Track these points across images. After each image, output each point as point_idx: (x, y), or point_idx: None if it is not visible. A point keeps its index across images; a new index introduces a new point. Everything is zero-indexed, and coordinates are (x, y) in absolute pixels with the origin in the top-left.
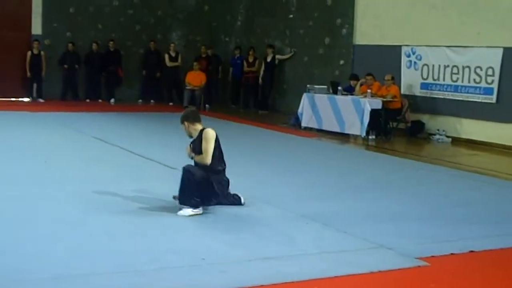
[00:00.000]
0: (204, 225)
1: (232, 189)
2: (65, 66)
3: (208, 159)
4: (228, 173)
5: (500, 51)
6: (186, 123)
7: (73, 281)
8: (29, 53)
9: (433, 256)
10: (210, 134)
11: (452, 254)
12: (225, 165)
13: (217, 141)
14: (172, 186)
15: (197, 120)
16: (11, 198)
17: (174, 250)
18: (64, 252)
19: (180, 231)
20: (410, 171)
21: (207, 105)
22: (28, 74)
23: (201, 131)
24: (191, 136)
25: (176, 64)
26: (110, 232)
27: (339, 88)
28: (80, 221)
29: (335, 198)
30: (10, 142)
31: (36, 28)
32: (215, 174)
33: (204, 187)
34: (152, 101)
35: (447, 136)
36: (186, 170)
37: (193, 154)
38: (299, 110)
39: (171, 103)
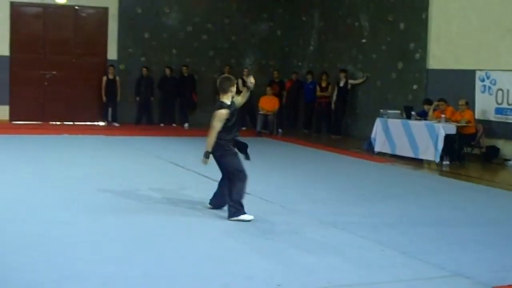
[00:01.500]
0: (276, 250)
1: (306, 214)
2: (137, 98)
3: (211, 135)
4: (303, 198)
5: None
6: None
7: None
8: (104, 78)
9: (511, 286)
10: (220, 114)
11: None
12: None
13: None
14: (247, 210)
15: (221, 91)
16: (82, 222)
17: (247, 276)
18: (138, 276)
19: (253, 255)
20: (485, 198)
21: (279, 130)
22: (104, 98)
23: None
24: None
25: None
26: (182, 256)
27: (413, 113)
28: (152, 245)
29: (411, 225)
30: (85, 165)
31: (112, 53)
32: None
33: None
34: None
35: None
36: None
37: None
38: (372, 135)
39: (244, 128)
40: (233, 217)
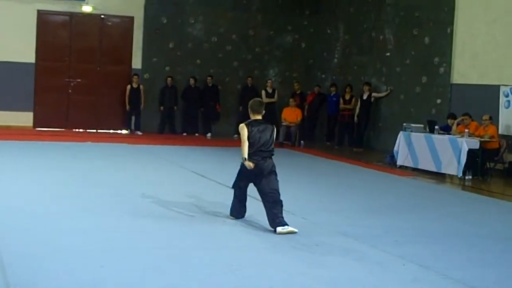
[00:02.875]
0: (298, 262)
1: (328, 227)
2: (161, 108)
3: (243, 145)
4: (325, 210)
5: None
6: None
7: None
8: (128, 86)
9: None
10: (239, 128)
11: None
12: (256, 148)
13: (250, 131)
14: (265, 222)
15: (251, 111)
16: (106, 230)
17: (269, 286)
18: (163, 286)
19: (275, 266)
20: (507, 213)
21: (302, 141)
22: (127, 107)
23: None
24: None
25: (272, 100)
26: (209, 266)
27: (436, 127)
28: (178, 254)
29: (432, 239)
30: (108, 173)
31: (136, 62)
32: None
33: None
34: None
35: None
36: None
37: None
38: (395, 149)
39: None
40: None
